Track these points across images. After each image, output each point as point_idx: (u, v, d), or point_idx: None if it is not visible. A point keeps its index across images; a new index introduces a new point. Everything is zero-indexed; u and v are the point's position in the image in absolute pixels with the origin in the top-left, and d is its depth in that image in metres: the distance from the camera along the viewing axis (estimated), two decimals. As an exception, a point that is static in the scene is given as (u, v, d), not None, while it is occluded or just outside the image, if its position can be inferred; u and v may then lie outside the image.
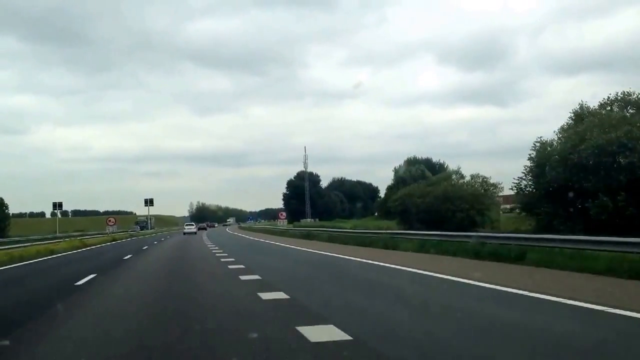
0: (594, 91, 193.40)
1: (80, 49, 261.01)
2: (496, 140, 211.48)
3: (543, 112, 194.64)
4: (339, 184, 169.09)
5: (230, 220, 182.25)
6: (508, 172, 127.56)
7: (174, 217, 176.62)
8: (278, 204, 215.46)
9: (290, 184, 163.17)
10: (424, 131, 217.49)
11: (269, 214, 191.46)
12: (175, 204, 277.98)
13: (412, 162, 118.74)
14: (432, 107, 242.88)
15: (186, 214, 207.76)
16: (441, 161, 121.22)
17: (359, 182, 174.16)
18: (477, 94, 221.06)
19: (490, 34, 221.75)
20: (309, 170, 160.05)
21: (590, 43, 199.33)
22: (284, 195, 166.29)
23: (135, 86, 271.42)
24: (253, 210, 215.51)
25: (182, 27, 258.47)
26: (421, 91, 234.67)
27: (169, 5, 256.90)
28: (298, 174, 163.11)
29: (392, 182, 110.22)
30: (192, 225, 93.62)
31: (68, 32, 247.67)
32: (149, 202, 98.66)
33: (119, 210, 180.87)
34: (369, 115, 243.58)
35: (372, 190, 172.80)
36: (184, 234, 73.07)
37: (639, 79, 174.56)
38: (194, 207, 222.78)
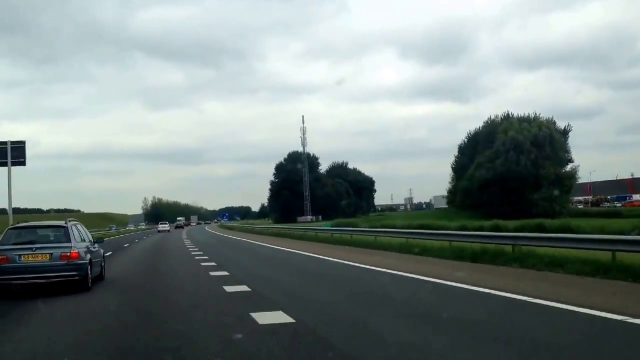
0: (553, 87, 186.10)
1: (25, 39, 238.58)
2: (456, 137, 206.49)
3: (503, 108, 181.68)
4: (341, 171, 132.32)
5: (193, 219, 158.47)
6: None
7: (125, 215, 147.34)
8: (238, 202, 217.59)
9: (280, 170, 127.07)
10: (382, 127, 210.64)
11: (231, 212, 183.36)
12: (128, 203, 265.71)
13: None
14: (392, 103, 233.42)
15: (139, 211, 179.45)
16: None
17: (357, 171, 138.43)
18: (437, 89, 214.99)
19: (452, 26, 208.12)
20: (299, 152, 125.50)
21: (551, 37, 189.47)
22: (272, 184, 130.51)
23: (83, 79, 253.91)
24: (213, 209, 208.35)
25: (132, 16, 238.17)
26: (381, 86, 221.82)
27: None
28: (290, 155, 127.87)
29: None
30: (166, 224, 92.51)
31: (11, 21, 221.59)
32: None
33: (65, 209, 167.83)
34: (328, 111, 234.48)
35: (370, 182, 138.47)
36: (158, 231, 76.67)
37: (595, 75, 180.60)
38: (149, 203, 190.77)
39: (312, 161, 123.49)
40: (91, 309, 9.92)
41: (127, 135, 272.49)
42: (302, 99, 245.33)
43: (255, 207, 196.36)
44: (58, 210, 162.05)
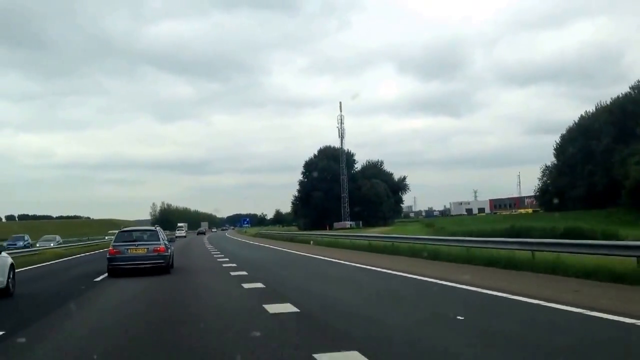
0: (542, 103, 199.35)
1: (38, 52, 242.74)
2: (448, 150, 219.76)
3: (493, 123, 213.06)
4: (375, 172, 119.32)
5: (203, 225, 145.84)
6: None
7: (127, 221, 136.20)
8: (245, 210, 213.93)
9: (310, 167, 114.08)
10: (379, 140, 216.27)
11: (234, 221, 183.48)
12: (138, 211, 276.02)
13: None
14: (389, 117, 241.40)
15: (148, 217, 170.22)
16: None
17: (389, 173, 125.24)
18: (433, 104, 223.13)
19: (448, 43, 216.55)
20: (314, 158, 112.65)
21: (541, 55, 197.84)
22: (301, 184, 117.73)
23: (96, 92, 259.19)
24: (222, 216, 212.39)
25: (142, 30, 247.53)
26: (380, 100, 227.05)
27: (128, 7, 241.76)
28: (321, 151, 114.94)
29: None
30: (183, 229, 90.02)
31: (24, 35, 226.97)
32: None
33: (75, 215, 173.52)
34: (330, 123, 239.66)
35: (403, 184, 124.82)
36: (176, 237, 70.24)
37: (582, 91, 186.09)
38: (157, 209, 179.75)
39: (347, 157, 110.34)
40: (171, 281, 15.41)
41: (138, 146, 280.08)
42: (305, 112, 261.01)
43: (265, 215, 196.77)
44: (68, 217, 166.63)
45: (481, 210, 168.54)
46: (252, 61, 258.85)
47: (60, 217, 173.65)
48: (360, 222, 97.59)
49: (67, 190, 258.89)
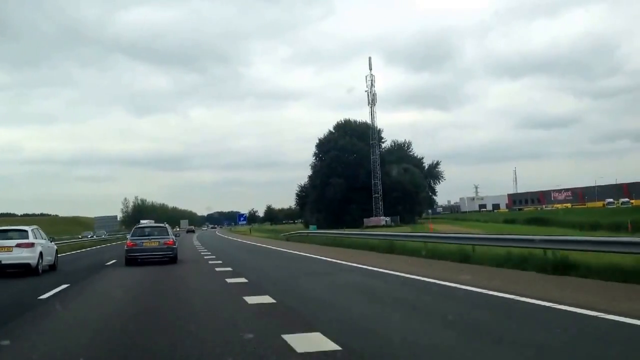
0: (537, 95, 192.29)
1: (3, 42, 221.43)
2: (437, 145, 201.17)
3: (484, 117, 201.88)
4: (403, 154, 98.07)
5: (183, 223, 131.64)
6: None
7: (87, 218, 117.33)
8: (227, 207, 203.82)
9: (324, 148, 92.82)
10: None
11: (215, 219, 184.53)
12: (111, 209, 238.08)
13: None
14: (378, 109, 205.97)
15: (119, 214, 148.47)
16: None
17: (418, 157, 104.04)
18: (421, 96, 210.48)
19: (438, 33, 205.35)
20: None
21: (534, 46, 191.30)
22: (313, 166, 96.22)
23: (66, 83, 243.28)
24: (202, 214, 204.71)
25: (114, 17, 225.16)
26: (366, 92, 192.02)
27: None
28: (340, 125, 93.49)
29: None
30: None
31: None
32: None
33: (41, 213, 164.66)
34: (313, 117, 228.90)
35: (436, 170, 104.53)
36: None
37: (576, 84, 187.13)
38: (130, 205, 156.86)
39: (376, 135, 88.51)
40: (176, 269, 17.93)
41: (112, 140, 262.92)
42: (288, 105, 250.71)
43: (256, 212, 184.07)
44: (34, 215, 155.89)
45: (495, 206, 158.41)
46: (232, 51, 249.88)
47: (26, 215, 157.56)
48: (398, 218, 76.32)
49: (36, 187, 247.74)
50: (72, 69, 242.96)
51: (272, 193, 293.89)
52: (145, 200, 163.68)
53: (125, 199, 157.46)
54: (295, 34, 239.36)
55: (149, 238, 20.26)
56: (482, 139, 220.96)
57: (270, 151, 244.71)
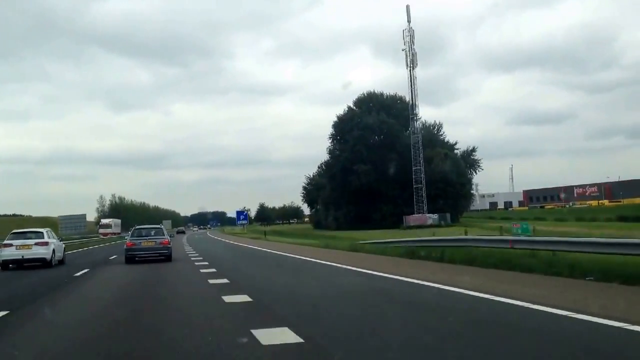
0: (529, 89, 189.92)
1: None
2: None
3: (478, 111, 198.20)
4: (434, 141, 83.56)
5: (166, 224, 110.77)
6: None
7: (53, 218, 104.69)
8: (211, 207, 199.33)
9: (342, 128, 79.10)
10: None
11: (199, 219, 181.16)
12: (88, 209, 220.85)
13: None
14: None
15: (95, 213, 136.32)
16: None
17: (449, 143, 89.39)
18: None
19: (428, 25, 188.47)
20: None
21: (528, 38, 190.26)
22: (330, 152, 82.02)
23: (40, 78, 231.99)
24: (185, 214, 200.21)
25: (89, 7, 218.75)
26: (354, 86, 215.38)
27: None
28: (361, 99, 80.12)
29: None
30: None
31: None
32: None
33: (13, 214, 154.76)
34: (298, 114, 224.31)
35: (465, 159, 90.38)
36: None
37: (569, 77, 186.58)
38: (106, 203, 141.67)
39: (405, 112, 74.10)
40: (172, 267, 19.38)
41: (89, 138, 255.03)
42: (272, 100, 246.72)
43: (230, 213, 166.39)
44: (5, 216, 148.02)
45: (508, 203, 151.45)
46: (213, 43, 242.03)
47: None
48: (448, 216, 62.07)
49: (8, 187, 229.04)
50: (45, 62, 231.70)
51: (259, 191, 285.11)
52: (124, 199, 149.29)
53: (102, 197, 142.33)
54: (278, 26, 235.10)
55: (147, 238, 22.24)
56: (472, 135, 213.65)
57: (255, 148, 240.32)
